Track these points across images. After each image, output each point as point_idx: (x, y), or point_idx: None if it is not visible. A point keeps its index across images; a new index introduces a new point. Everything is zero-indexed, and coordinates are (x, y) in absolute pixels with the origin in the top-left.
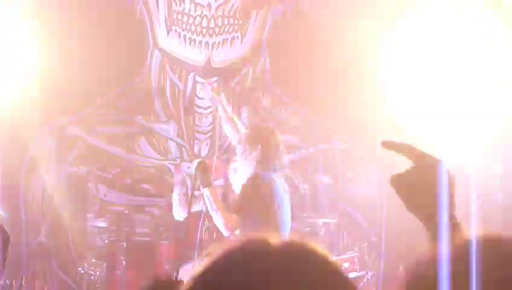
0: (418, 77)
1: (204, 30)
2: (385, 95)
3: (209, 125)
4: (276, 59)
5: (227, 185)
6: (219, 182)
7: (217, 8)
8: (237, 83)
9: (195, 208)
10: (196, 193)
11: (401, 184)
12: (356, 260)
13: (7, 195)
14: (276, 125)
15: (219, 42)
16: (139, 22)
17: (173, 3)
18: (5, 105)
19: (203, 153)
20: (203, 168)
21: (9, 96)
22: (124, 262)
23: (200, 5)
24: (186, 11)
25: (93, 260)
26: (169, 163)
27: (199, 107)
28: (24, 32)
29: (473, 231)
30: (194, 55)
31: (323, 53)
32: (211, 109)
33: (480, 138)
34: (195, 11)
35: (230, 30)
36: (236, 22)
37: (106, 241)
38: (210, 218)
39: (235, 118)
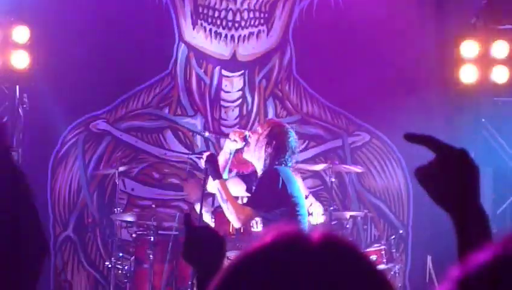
0: None
1: (230, 24)
2: (412, 86)
3: (235, 119)
4: (303, 52)
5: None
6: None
7: (242, 2)
8: (263, 77)
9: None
10: None
11: (425, 176)
12: (383, 252)
13: (34, 190)
14: (303, 117)
15: (245, 36)
16: (165, 16)
17: None
18: (34, 100)
19: None
20: (213, 161)
21: (38, 91)
22: (151, 256)
23: None
24: (212, 4)
25: (121, 254)
26: (196, 157)
27: (225, 100)
28: (54, 26)
29: None
30: (220, 49)
31: (351, 45)
32: (237, 102)
33: None
34: (220, 4)
35: (256, 23)
36: (262, 15)
37: (133, 235)
38: None
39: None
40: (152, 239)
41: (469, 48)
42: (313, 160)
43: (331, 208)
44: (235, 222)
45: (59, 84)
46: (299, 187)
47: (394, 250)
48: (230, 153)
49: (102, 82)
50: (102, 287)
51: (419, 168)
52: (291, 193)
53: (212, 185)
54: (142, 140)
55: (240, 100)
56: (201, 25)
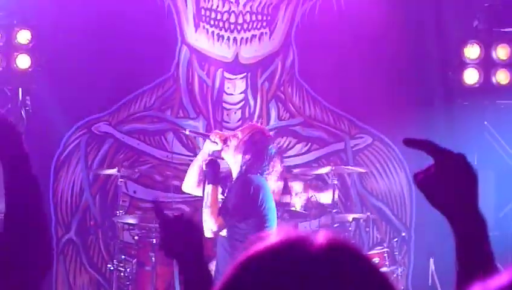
0: None
1: (232, 26)
2: (414, 88)
3: (237, 121)
4: (305, 54)
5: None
6: None
7: (245, 4)
8: (266, 79)
9: None
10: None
11: (424, 181)
12: (386, 255)
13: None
14: (305, 120)
15: (247, 38)
16: (167, 18)
17: None
18: (36, 102)
19: None
20: (213, 166)
21: (41, 93)
22: (153, 258)
23: (228, 1)
24: (214, 7)
25: (123, 257)
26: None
27: (227, 103)
28: (57, 28)
29: None
30: (222, 51)
31: (353, 47)
32: (239, 105)
33: None
34: (223, 7)
35: (258, 26)
36: (265, 17)
37: (136, 237)
38: None
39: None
40: (154, 241)
41: (471, 51)
42: (315, 163)
43: (334, 210)
44: (208, 230)
45: (61, 86)
46: (271, 198)
47: (397, 252)
48: (209, 154)
49: (104, 84)
50: (105, 289)
51: (418, 173)
52: (262, 204)
53: (192, 186)
54: (144, 142)
55: (242, 102)
56: (204, 27)
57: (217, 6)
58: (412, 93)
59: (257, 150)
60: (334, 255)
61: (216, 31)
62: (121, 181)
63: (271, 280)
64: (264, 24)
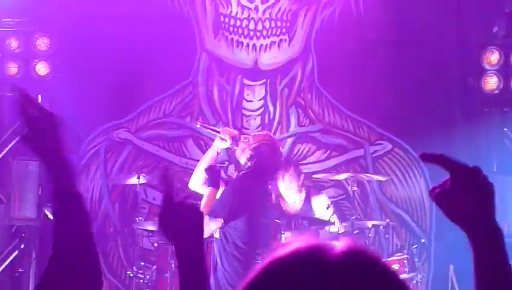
0: None
1: (251, 33)
2: (434, 95)
3: (257, 128)
4: (325, 61)
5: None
6: None
7: (264, 11)
8: (285, 86)
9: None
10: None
11: (441, 196)
12: (405, 261)
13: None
14: (325, 127)
15: (267, 45)
16: (186, 25)
17: (220, 6)
18: (55, 109)
19: None
20: (212, 172)
21: (60, 100)
22: (173, 265)
23: (247, 7)
24: (234, 14)
25: (142, 264)
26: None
27: (247, 109)
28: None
29: None
30: (242, 58)
31: (372, 54)
32: (259, 111)
33: None
34: (242, 13)
35: (278, 32)
36: (284, 24)
37: (155, 244)
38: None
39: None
40: (173, 248)
41: (491, 57)
42: (335, 169)
43: (353, 217)
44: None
45: (81, 93)
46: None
47: (416, 259)
48: (218, 152)
49: (123, 91)
50: None
51: (434, 187)
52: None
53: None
54: (163, 149)
55: (262, 109)
56: (223, 34)
57: (236, 13)
58: (431, 100)
59: (259, 160)
60: (353, 262)
61: (235, 38)
62: (140, 187)
63: (291, 286)
64: (284, 30)
